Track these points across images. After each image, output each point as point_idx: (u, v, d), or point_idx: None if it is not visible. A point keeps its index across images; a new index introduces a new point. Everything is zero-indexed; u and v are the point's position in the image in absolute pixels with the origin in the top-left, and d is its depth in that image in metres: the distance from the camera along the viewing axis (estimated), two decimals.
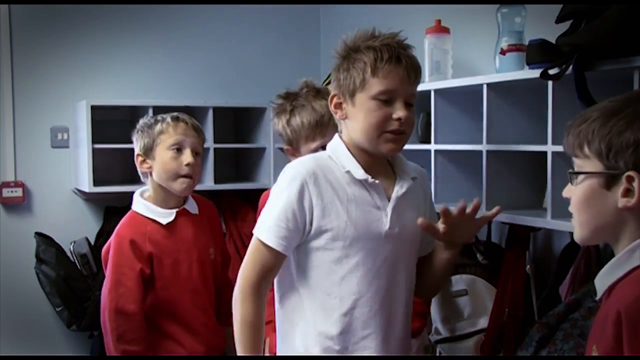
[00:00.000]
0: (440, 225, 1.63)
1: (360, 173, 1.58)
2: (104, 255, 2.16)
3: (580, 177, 1.18)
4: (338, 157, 1.61)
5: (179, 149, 2.15)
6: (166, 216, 2.17)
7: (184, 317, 2.17)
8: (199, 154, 2.22)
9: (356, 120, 1.58)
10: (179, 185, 2.16)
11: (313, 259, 1.60)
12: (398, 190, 1.62)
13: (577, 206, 1.20)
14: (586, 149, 1.16)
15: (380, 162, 1.65)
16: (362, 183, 1.59)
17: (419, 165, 1.77)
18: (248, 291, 1.59)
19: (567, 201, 1.26)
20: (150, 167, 2.17)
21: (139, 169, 2.22)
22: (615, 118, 1.13)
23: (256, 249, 1.61)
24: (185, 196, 2.23)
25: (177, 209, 2.19)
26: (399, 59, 1.55)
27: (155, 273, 2.14)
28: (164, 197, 2.19)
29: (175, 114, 2.23)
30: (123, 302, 2.07)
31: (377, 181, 1.59)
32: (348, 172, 1.58)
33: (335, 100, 1.63)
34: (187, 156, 2.15)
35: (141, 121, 2.25)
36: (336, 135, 1.67)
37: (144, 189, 2.24)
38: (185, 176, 2.15)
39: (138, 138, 2.21)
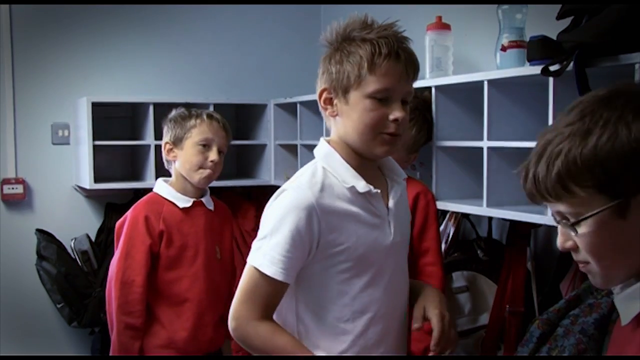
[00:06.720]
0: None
1: (362, 185, 1.44)
2: (118, 229, 2.26)
3: (584, 220, 0.99)
4: (334, 168, 1.46)
5: (205, 145, 2.26)
6: (184, 201, 2.27)
7: (176, 300, 2.23)
8: (224, 152, 2.32)
9: (349, 119, 1.44)
10: (198, 175, 2.26)
11: (319, 284, 1.46)
12: (394, 196, 1.52)
13: (595, 253, 1.01)
14: (574, 187, 0.98)
15: (371, 163, 1.52)
16: (364, 195, 1.45)
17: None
18: (253, 324, 1.41)
19: None
20: (175, 156, 2.28)
21: (164, 157, 2.32)
22: (591, 136, 0.96)
23: (255, 282, 1.42)
24: (204, 189, 2.33)
25: (194, 199, 2.28)
26: (397, 54, 1.42)
27: (161, 252, 2.22)
28: (184, 187, 2.29)
29: (210, 111, 2.34)
30: (129, 273, 2.16)
31: (378, 191, 1.47)
32: (352, 187, 1.44)
33: (325, 95, 1.47)
34: (213, 154, 2.27)
35: (175, 112, 2.34)
36: (323, 141, 1.51)
37: (167, 178, 2.34)
38: (205, 169, 2.26)
39: (170, 128, 2.30)
